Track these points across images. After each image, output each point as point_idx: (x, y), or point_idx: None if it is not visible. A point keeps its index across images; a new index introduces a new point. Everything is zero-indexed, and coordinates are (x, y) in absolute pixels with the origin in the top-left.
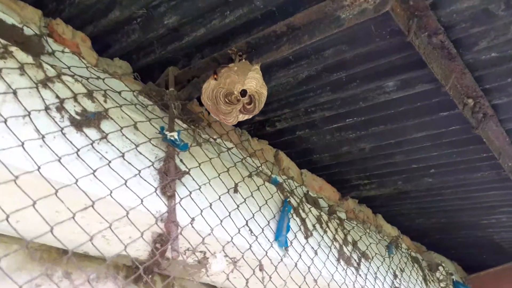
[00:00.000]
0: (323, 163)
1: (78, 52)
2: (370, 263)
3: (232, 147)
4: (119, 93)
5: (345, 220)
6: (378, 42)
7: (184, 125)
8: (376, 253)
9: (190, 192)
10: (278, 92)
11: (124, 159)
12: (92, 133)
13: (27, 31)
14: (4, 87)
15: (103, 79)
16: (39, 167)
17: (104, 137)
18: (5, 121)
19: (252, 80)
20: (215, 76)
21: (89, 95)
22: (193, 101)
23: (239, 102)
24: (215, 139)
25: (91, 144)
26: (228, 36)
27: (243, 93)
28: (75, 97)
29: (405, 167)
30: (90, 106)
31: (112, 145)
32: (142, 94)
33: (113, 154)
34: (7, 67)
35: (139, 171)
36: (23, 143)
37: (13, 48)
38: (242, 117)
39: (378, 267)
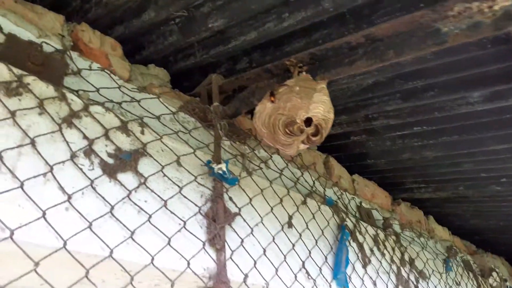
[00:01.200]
0: (376, 167)
1: (108, 65)
2: (427, 283)
3: (284, 168)
4: (158, 118)
5: (401, 234)
6: (474, 51)
7: (231, 149)
8: (433, 270)
9: (242, 240)
10: (336, 97)
11: (167, 208)
12: (129, 179)
13: (47, 48)
14: (20, 135)
15: (139, 101)
16: (65, 242)
17: (143, 183)
18: (22, 186)
19: (319, 105)
20: (272, 98)
21: (124, 127)
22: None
23: (303, 134)
24: (266, 162)
25: (128, 196)
26: (284, 40)
27: (307, 121)
28: (106, 134)
29: (472, 175)
30: (125, 142)
31: (152, 191)
32: (183, 111)
33: (153, 203)
34: (23, 107)
35: (185, 222)
36: (44, 213)
37: (29, 79)
38: (304, 147)
39: (435, 286)
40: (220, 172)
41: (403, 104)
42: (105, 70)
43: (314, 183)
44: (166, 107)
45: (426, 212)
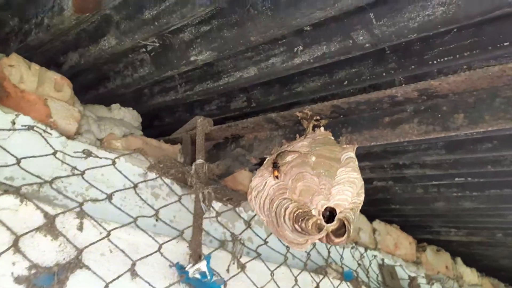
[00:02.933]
0: (401, 212)
1: (46, 115)
2: None
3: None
4: (109, 197)
5: None
6: None
7: (216, 229)
8: None
9: None
10: None
11: None
12: None
13: None
14: None
15: (82, 174)
16: None
17: None
18: None
19: (346, 188)
20: (276, 173)
21: (49, 226)
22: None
23: (322, 232)
24: (266, 241)
25: None
26: (294, 77)
27: (329, 214)
28: (16, 243)
29: None
30: (48, 252)
31: None
32: (153, 171)
33: None
34: None
35: None
36: None
37: None
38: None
39: None
40: (197, 276)
41: (446, 155)
42: (36, 128)
43: (329, 251)
44: (126, 177)
45: (452, 253)
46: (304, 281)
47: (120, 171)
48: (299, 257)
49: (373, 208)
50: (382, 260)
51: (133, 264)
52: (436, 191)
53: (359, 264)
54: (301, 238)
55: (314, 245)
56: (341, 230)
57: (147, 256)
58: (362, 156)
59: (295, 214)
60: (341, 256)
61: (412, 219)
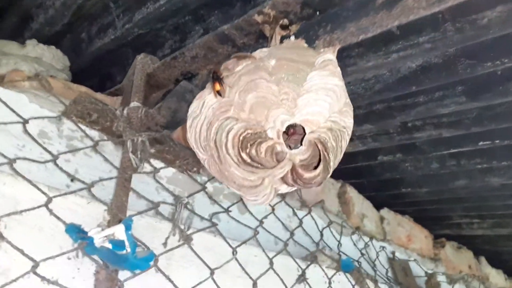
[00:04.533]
0: (414, 198)
1: None
2: None
3: (266, 216)
4: None
5: None
6: None
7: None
8: None
9: None
10: (355, 95)
11: None
12: None
13: None
14: None
15: None
16: None
17: None
18: None
19: (321, 99)
20: (218, 86)
21: None
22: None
23: (282, 163)
24: (228, 209)
25: None
26: None
27: (292, 133)
28: None
29: None
30: None
31: None
32: (68, 117)
33: None
34: None
35: None
36: None
37: None
38: (287, 190)
39: None
40: (108, 245)
41: (468, 103)
42: None
43: (322, 234)
44: (18, 114)
45: (475, 251)
46: (284, 267)
47: (4, 102)
48: (279, 236)
49: (380, 193)
50: (393, 253)
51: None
52: (455, 164)
53: (362, 254)
54: (252, 175)
55: (300, 222)
56: (316, 167)
57: (22, 211)
58: (361, 117)
59: (241, 138)
60: (339, 242)
61: (427, 208)
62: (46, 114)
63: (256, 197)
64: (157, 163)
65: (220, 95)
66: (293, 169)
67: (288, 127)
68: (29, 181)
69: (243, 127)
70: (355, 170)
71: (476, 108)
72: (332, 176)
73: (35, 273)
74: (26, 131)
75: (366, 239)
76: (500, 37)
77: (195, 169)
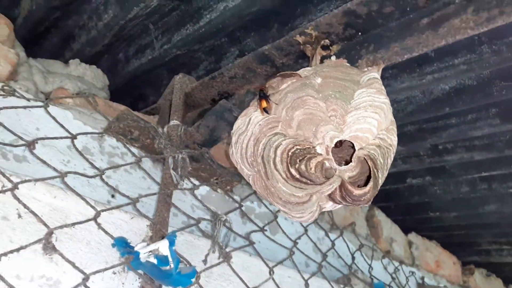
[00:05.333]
0: (441, 223)
1: None
2: None
3: (299, 237)
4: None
5: None
6: None
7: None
8: None
9: None
10: None
11: None
12: None
13: None
14: None
15: None
16: None
17: None
18: None
19: (370, 116)
20: (265, 104)
21: None
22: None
23: (331, 180)
24: (263, 228)
25: None
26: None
27: (340, 150)
28: None
29: None
30: None
31: None
32: (110, 133)
33: None
34: None
35: None
36: None
37: None
38: (331, 207)
39: None
40: (153, 260)
41: (502, 125)
42: None
43: (353, 257)
44: (61, 125)
45: (505, 280)
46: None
47: (54, 117)
48: (311, 257)
49: (408, 217)
50: (422, 279)
51: (50, 234)
52: (487, 188)
53: (393, 279)
54: (300, 191)
55: (332, 244)
56: (366, 185)
57: (73, 224)
58: None
59: (290, 153)
60: (370, 265)
61: (455, 233)
62: (90, 131)
63: (302, 214)
64: (193, 181)
65: (266, 112)
66: (341, 186)
67: (338, 144)
68: (79, 195)
69: (291, 142)
70: (383, 193)
71: (509, 130)
72: None
73: (85, 286)
74: (74, 146)
75: (396, 263)
76: None
77: (228, 187)
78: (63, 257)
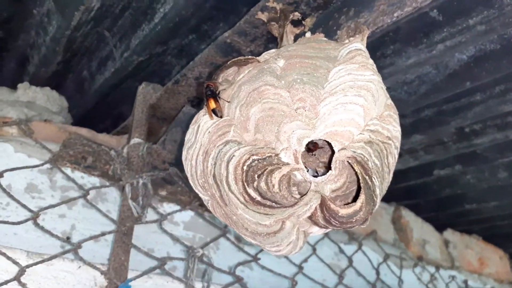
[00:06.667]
0: (480, 214)
1: None
2: None
3: (309, 256)
4: None
5: None
6: None
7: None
8: None
9: None
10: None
11: None
12: None
13: None
14: None
15: None
16: None
17: None
18: None
19: (352, 101)
20: (213, 103)
21: None
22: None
23: (308, 197)
24: (256, 258)
25: None
26: None
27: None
28: None
29: None
30: None
31: None
32: (60, 165)
33: None
34: None
35: None
36: None
37: None
38: (321, 231)
39: None
40: None
41: None
42: None
43: (378, 272)
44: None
45: None
46: None
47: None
48: (323, 279)
49: (441, 213)
50: (465, 282)
51: None
52: None
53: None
54: (267, 218)
55: (349, 262)
56: (353, 190)
57: None
58: (408, 128)
59: (245, 168)
60: (399, 278)
61: (498, 224)
62: (36, 163)
63: (278, 246)
64: (171, 207)
65: (216, 114)
66: (322, 205)
67: (309, 145)
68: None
69: (247, 152)
70: (408, 190)
71: None
72: (382, 199)
73: None
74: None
75: (432, 269)
76: None
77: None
78: None
